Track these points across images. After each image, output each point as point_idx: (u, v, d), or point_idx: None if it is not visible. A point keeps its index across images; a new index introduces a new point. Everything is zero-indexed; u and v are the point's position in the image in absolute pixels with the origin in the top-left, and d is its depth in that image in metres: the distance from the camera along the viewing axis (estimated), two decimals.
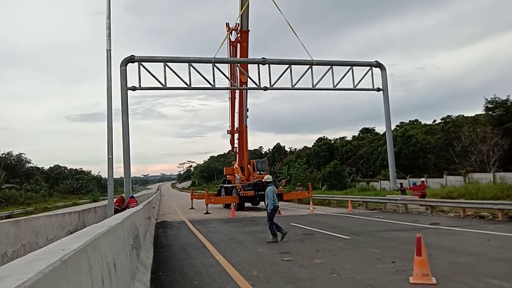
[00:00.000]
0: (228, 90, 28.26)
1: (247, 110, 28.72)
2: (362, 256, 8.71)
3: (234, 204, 25.05)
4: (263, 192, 25.50)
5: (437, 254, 8.24)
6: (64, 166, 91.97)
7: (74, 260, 2.36)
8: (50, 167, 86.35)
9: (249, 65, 24.01)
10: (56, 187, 73.81)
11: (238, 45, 26.04)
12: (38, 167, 78.86)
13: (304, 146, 78.53)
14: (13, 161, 68.97)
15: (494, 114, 42.99)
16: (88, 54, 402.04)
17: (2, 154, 66.84)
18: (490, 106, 43.93)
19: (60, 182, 77.73)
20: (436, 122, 56.19)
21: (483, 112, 45.21)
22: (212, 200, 27.00)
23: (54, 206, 46.39)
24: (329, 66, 22.09)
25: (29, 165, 74.30)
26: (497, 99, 43.74)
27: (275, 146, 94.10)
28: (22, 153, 72.31)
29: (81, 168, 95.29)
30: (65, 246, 2.56)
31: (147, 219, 14.29)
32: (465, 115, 49.97)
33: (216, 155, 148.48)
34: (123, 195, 18.39)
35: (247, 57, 24.88)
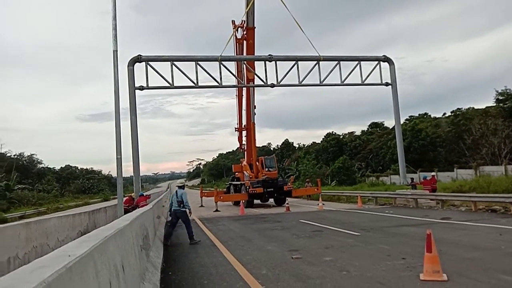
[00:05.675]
0: (235, 88, 28.24)
1: (255, 107, 28.68)
2: (372, 252, 8.66)
3: (243, 201, 25.08)
4: (272, 189, 25.95)
5: (448, 249, 8.16)
6: (75, 166, 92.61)
7: (79, 266, 2.37)
8: (61, 167, 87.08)
9: (255, 62, 23.94)
10: (68, 187, 74.48)
11: (245, 42, 25.98)
12: (50, 168, 79.59)
13: (313, 142, 78.26)
14: (24, 162, 69.70)
15: (505, 106, 42.35)
16: (97, 54, 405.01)
17: (14, 155, 67.66)
18: (501, 98, 43.26)
19: (71, 182, 78.33)
20: (446, 115, 55.58)
21: (494, 104, 44.56)
22: (221, 197, 27.04)
23: (66, 206, 46.91)
24: (336, 62, 21.95)
25: (41, 165, 75.06)
26: (508, 90, 43.05)
27: (283, 142, 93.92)
28: (33, 154, 73.14)
29: (91, 168, 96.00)
30: (71, 252, 2.56)
31: (157, 218, 14.38)
32: (475, 107, 49.29)
33: (225, 152, 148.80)
34: (132, 194, 18.50)
35: (254, 54, 24.80)
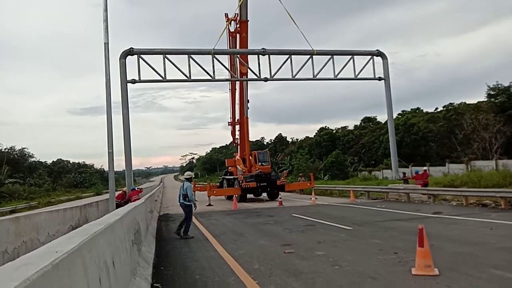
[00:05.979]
0: (228, 82, 28.11)
1: (248, 101, 28.58)
2: (364, 247, 8.69)
3: (236, 195, 25.06)
4: (265, 184, 25.95)
5: (439, 244, 8.20)
6: (67, 160, 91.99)
7: (67, 262, 2.31)
8: (53, 161, 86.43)
9: (249, 55, 23.83)
10: (60, 181, 73.87)
11: (238, 35, 25.82)
12: (41, 161, 78.86)
13: (306, 136, 78.23)
14: (16, 155, 68.91)
15: (496, 101, 42.63)
16: (89, 47, 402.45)
17: (5, 149, 66.82)
18: (492, 93, 43.54)
19: (63, 176, 77.73)
20: (438, 110, 55.85)
21: (485, 99, 44.84)
22: (215, 192, 27.00)
23: (57, 200, 46.60)
24: (329, 56, 21.94)
25: (32, 159, 74.32)
26: (499, 85, 43.32)
27: (277, 136, 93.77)
28: (25, 148, 72.30)
29: (84, 162, 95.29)
30: (59, 248, 2.51)
31: (149, 213, 14.32)
32: (467, 102, 49.57)
33: (218, 146, 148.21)
34: (124, 189, 18.40)
35: (247, 47, 24.67)
